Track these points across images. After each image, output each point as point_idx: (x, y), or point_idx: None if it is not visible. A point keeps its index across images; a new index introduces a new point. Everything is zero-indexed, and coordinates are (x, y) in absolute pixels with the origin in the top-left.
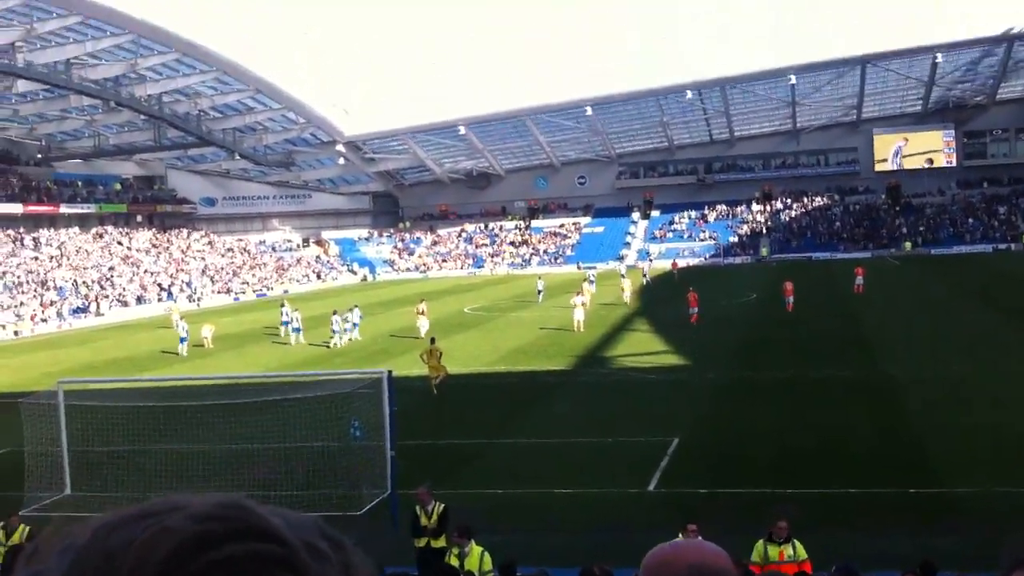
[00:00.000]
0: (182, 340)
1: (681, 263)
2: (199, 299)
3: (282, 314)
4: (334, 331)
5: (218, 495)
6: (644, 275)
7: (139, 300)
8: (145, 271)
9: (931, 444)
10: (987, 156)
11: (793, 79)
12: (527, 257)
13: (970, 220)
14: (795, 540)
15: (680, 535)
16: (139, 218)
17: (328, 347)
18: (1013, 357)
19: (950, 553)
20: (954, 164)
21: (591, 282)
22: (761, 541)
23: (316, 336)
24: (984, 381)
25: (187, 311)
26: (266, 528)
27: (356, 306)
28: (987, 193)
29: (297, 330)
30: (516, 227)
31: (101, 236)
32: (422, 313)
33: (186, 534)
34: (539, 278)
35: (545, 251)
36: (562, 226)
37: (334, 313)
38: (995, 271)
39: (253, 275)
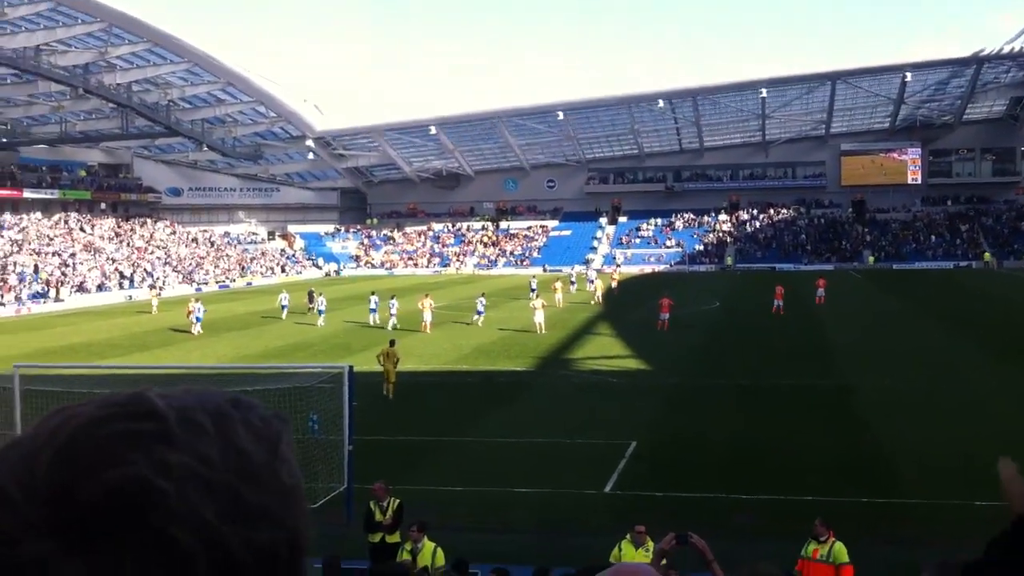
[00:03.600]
0: (198, 319)
1: (647, 270)
2: (162, 289)
3: (312, 300)
4: (392, 313)
5: (134, 389)
6: (590, 281)
7: (100, 287)
8: (107, 259)
9: (886, 454)
10: (952, 175)
11: (764, 92)
12: (494, 258)
13: (933, 237)
14: (836, 542)
15: (628, 535)
16: (103, 206)
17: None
18: (967, 370)
19: (902, 563)
20: (919, 181)
21: (572, 283)
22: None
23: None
24: (938, 393)
25: (159, 298)
26: (149, 408)
27: (376, 294)
28: (950, 211)
29: (321, 312)
30: (484, 228)
31: (64, 222)
32: (426, 307)
33: (82, 419)
34: (533, 277)
35: (512, 252)
36: (530, 228)
37: (372, 293)
38: (956, 287)
39: (217, 266)
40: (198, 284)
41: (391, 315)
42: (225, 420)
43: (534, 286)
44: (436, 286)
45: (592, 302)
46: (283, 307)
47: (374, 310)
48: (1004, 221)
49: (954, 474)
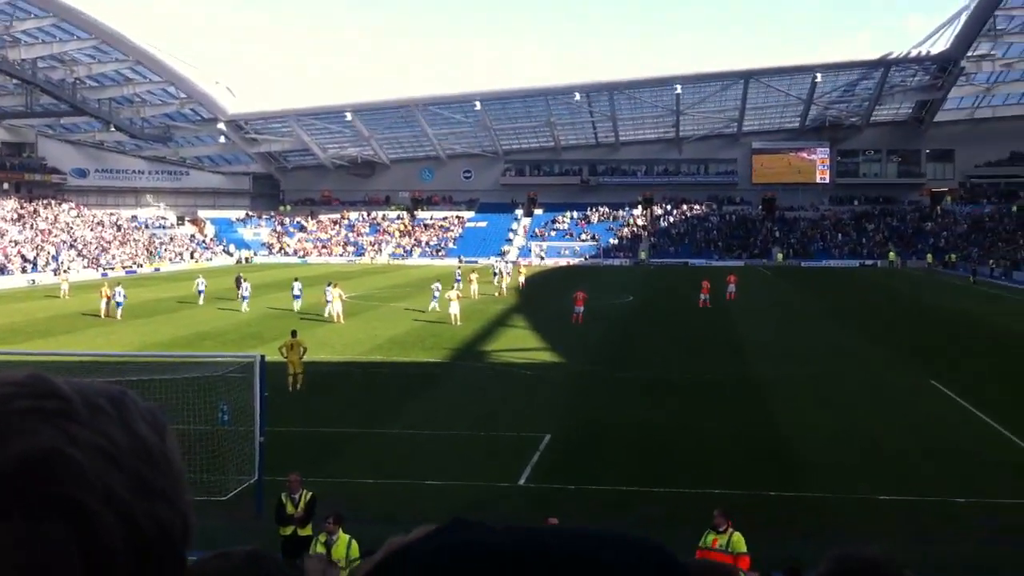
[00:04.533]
0: (119, 304)
1: (562, 263)
2: (66, 271)
3: (239, 285)
4: (328, 301)
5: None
6: (495, 273)
7: (1, 271)
8: (10, 241)
9: (791, 446)
10: (859, 175)
11: (679, 88)
12: (409, 248)
13: (840, 235)
14: (735, 533)
15: None
16: (5, 186)
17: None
18: (870, 364)
19: (810, 556)
20: (827, 181)
21: (495, 274)
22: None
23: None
24: (842, 386)
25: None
26: (53, 388)
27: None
28: (857, 211)
29: (245, 298)
30: (399, 217)
31: None
32: (336, 297)
33: None
34: (458, 268)
35: (427, 243)
36: (446, 219)
37: (329, 284)
38: (860, 285)
39: (123, 251)
40: (104, 269)
41: (328, 301)
42: (122, 405)
43: (458, 276)
44: (349, 275)
45: (496, 295)
46: (200, 292)
47: (298, 296)
48: (908, 221)
49: (857, 467)
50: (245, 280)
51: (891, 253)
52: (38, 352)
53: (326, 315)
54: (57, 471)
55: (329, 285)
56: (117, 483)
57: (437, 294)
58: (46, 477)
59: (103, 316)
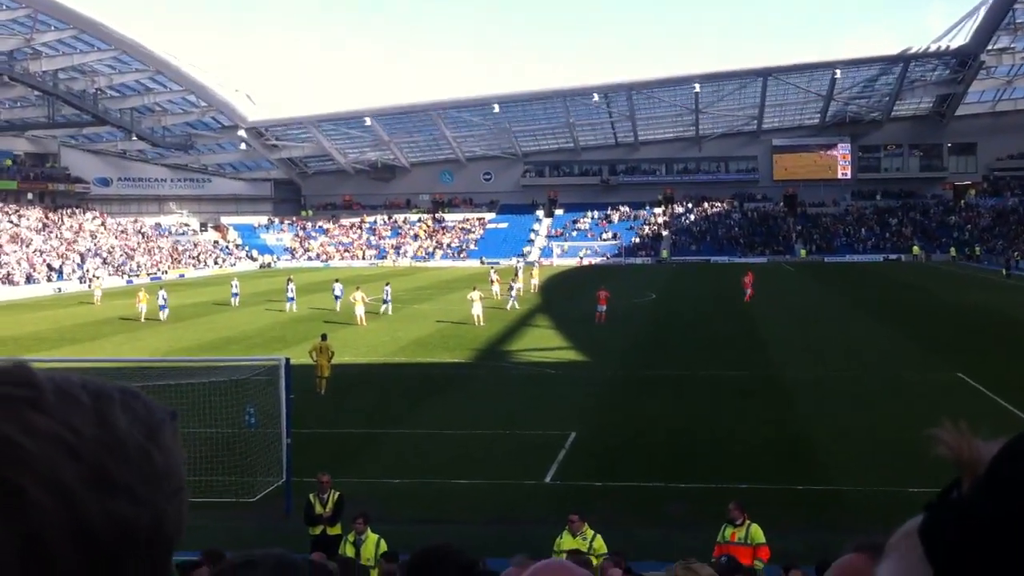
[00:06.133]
0: (234, 294)
1: (583, 263)
2: (90, 281)
3: (287, 289)
4: (386, 300)
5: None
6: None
7: (28, 280)
8: (35, 250)
9: (819, 442)
10: (880, 170)
11: (697, 87)
12: (430, 250)
13: (863, 230)
14: (752, 524)
15: (567, 526)
16: (29, 196)
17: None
18: (895, 359)
19: (837, 549)
20: (849, 176)
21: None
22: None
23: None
24: (867, 382)
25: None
26: (26, 378)
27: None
28: (879, 205)
29: (291, 299)
30: (420, 220)
31: None
32: (359, 300)
33: None
34: (492, 268)
35: (449, 245)
36: (466, 221)
37: (386, 284)
38: (885, 279)
39: (148, 258)
40: (128, 276)
41: (385, 301)
42: (103, 399)
43: (493, 277)
44: (372, 278)
45: (508, 307)
46: (234, 295)
47: (339, 297)
48: (931, 215)
49: (884, 460)
50: (291, 281)
51: (915, 247)
52: (65, 359)
53: (380, 311)
54: (1, 456)
55: (387, 285)
56: (69, 474)
57: (515, 293)
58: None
59: (142, 320)
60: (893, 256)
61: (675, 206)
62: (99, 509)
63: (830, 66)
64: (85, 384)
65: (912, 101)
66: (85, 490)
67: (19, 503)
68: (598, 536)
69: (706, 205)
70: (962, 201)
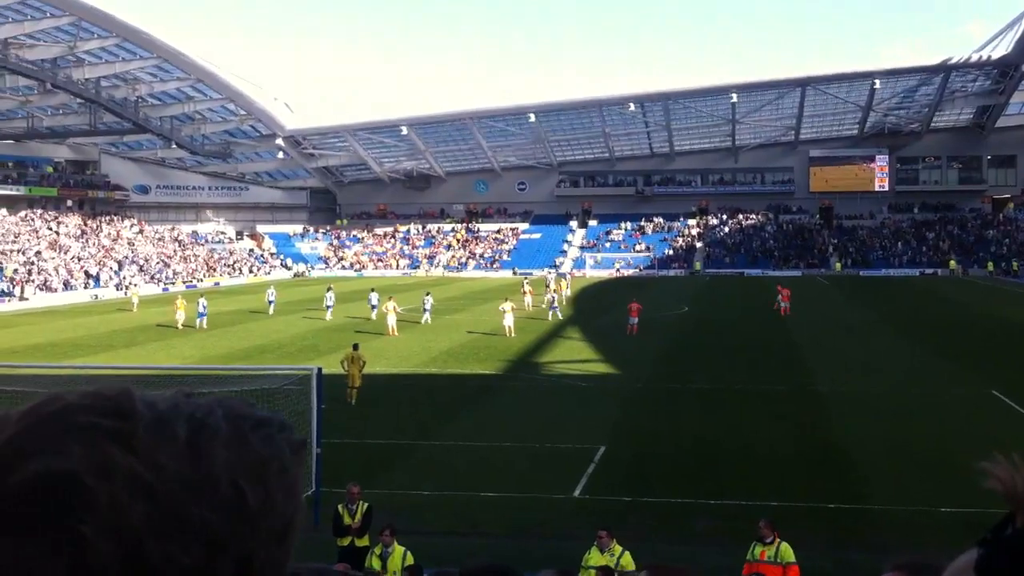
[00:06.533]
0: (270, 302)
1: (616, 274)
2: (127, 288)
3: (327, 297)
4: (426, 309)
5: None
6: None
7: (66, 286)
8: (73, 257)
9: (851, 459)
10: (918, 183)
11: (734, 97)
12: (463, 260)
13: (899, 244)
14: (782, 543)
15: (596, 541)
16: (69, 203)
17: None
18: (931, 376)
19: (870, 569)
20: (886, 189)
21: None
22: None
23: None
24: (902, 398)
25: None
26: (121, 407)
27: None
28: (917, 219)
29: (329, 307)
30: (453, 230)
31: (30, 219)
32: (391, 310)
33: (59, 405)
34: (525, 278)
35: (482, 255)
36: (500, 231)
37: (427, 294)
38: (921, 294)
39: (184, 266)
40: (164, 284)
41: (425, 310)
42: (204, 432)
43: (527, 288)
44: (405, 288)
45: (533, 307)
46: (270, 303)
47: (375, 306)
48: (969, 229)
49: (917, 478)
50: (330, 290)
51: (952, 261)
52: (98, 366)
53: (423, 322)
54: (65, 496)
55: (427, 295)
56: (138, 517)
57: (556, 305)
58: (52, 502)
59: (179, 327)
60: (929, 270)
61: (709, 218)
62: (163, 554)
63: (869, 76)
64: (193, 414)
65: (952, 112)
66: (153, 534)
67: (75, 549)
68: (626, 552)
69: (741, 217)
70: (1001, 215)
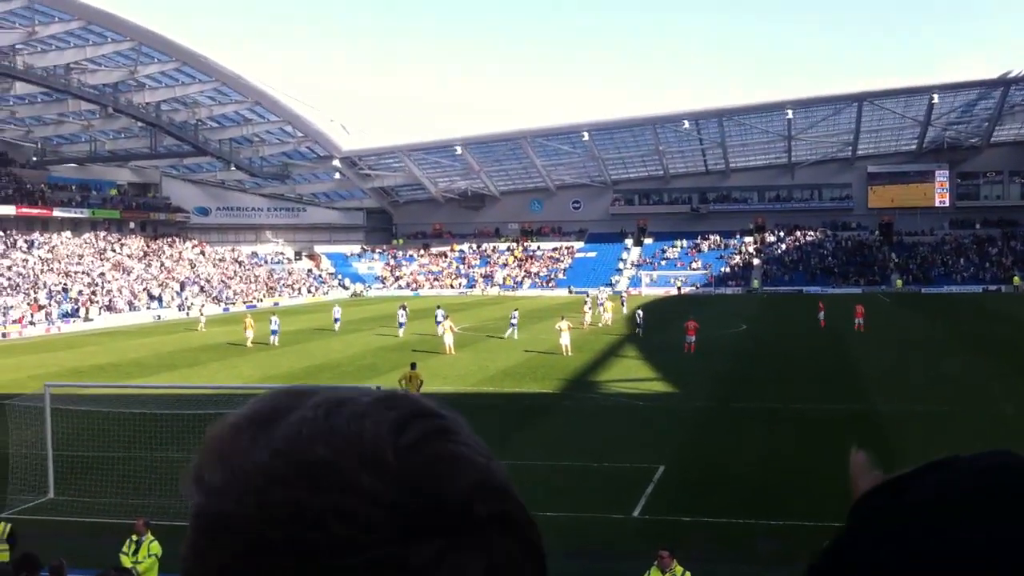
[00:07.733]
0: (335, 320)
1: (672, 292)
2: (189, 308)
3: (399, 315)
4: (512, 324)
5: (377, 391)
6: (600, 303)
7: (129, 307)
8: (136, 278)
9: None
10: (979, 198)
11: (790, 113)
12: (519, 279)
13: (961, 260)
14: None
15: (656, 562)
16: (132, 225)
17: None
18: (1000, 397)
19: None
20: (947, 204)
21: (600, 303)
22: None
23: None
24: (969, 420)
25: (178, 319)
26: (426, 407)
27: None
28: (979, 234)
29: (402, 324)
30: (508, 249)
31: (93, 241)
32: (447, 329)
33: (389, 417)
34: (586, 294)
35: (537, 274)
36: (555, 250)
37: (515, 310)
38: (986, 312)
39: (244, 287)
40: (225, 304)
41: (512, 324)
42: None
43: (589, 303)
44: (461, 307)
45: (585, 326)
46: (336, 320)
47: (440, 322)
48: None
49: None
50: (402, 308)
51: (1015, 277)
52: (159, 385)
53: (505, 336)
54: (507, 504)
55: (515, 311)
56: (515, 495)
57: (641, 324)
58: (498, 509)
59: (249, 344)
60: (992, 287)
61: (766, 235)
62: (537, 534)
63: (927, 91)
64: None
65: (1012, 126)
66: (529, 521)
67: (534, 552)
68: (687, 573)
69: (798, 234)
70: None
